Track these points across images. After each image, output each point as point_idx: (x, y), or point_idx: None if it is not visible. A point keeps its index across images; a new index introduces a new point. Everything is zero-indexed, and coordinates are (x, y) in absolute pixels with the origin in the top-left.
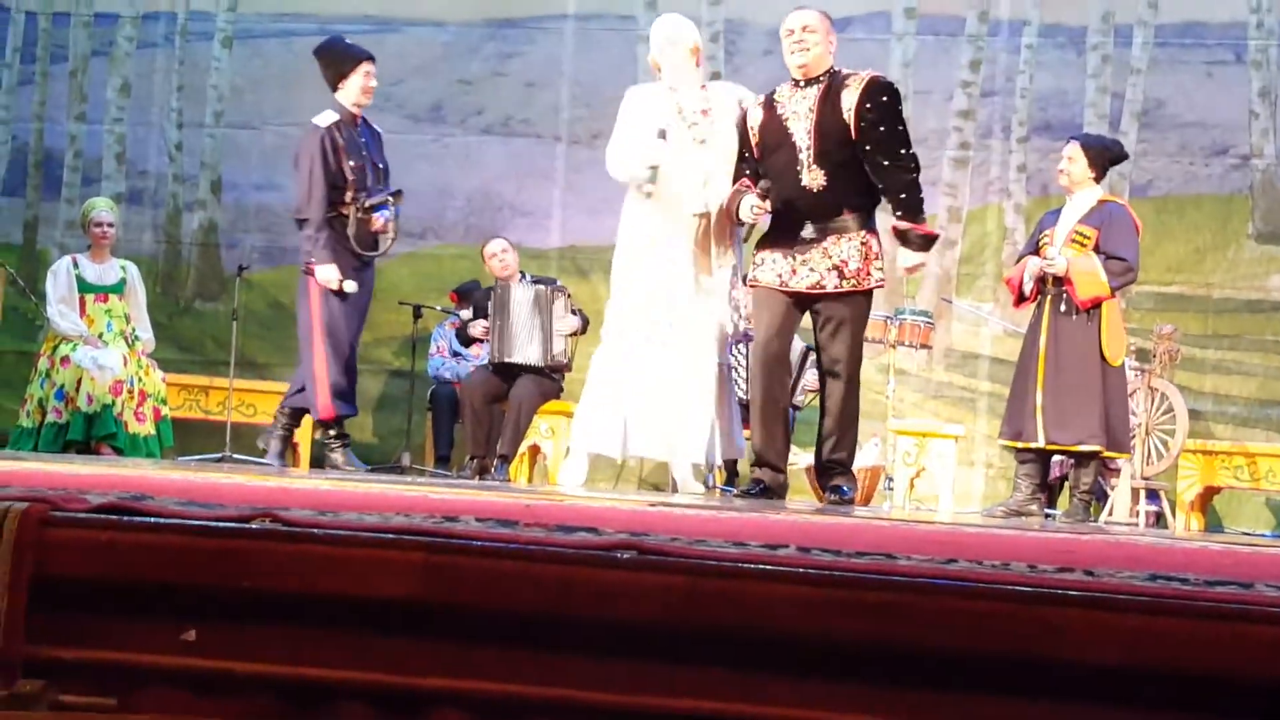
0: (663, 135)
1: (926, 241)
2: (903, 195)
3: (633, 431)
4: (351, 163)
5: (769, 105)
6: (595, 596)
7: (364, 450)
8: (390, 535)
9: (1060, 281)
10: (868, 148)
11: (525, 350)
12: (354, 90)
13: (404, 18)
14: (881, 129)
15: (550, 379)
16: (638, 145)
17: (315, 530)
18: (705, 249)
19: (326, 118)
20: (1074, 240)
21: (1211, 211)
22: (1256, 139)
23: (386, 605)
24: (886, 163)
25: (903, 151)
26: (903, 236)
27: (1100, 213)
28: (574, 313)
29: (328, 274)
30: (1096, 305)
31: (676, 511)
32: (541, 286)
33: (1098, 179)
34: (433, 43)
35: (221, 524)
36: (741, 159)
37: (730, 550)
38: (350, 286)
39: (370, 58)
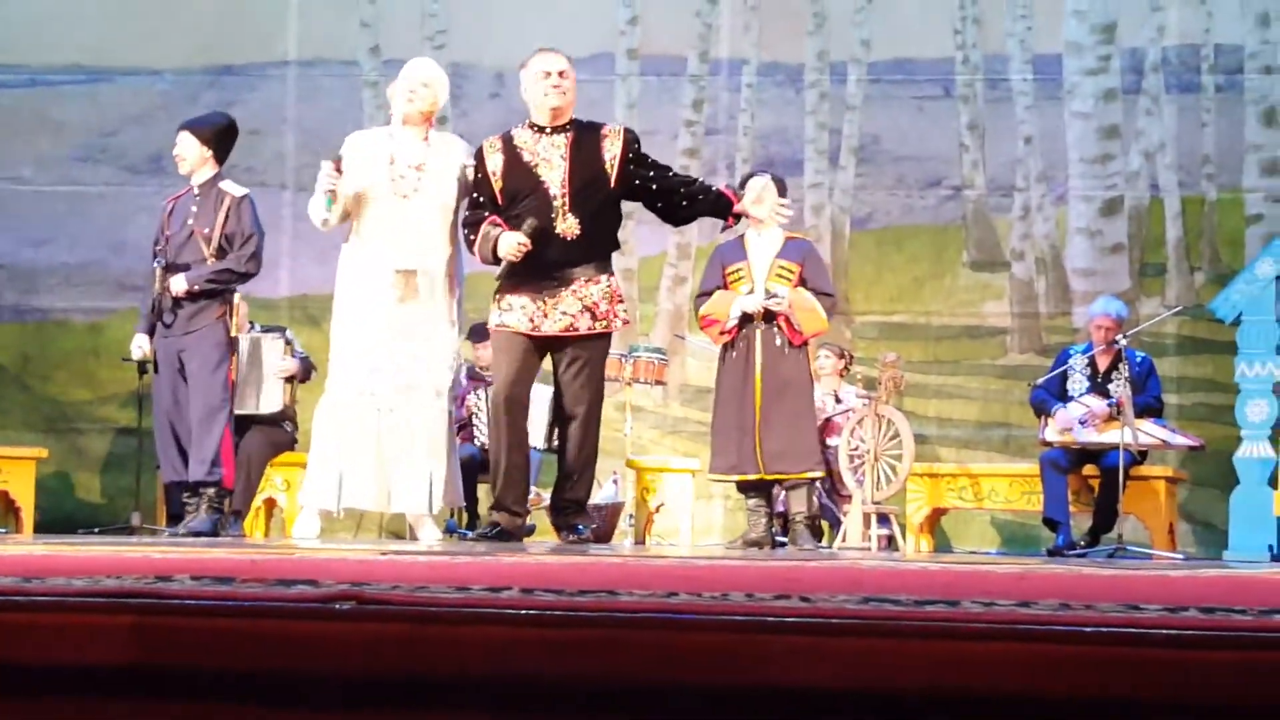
0: (337, 165)
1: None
2: (711, 187)
3: (348, 483)
4: (169, 232)
5: (509, 149)
6: (315, 650)
7: (92, 512)
8: (97, 599)
9: (771, 316)
10: (654, 186)
11: (245, 402)
12: None
13: (118, 67)
14: (649, 161)
15: (281, 429)
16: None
17: (17, 597)
18: (422, 299)
19: (180, 191)
20: (779, 275)
21: (928, 242)
22: (968, 171)
23: (97, 672)
24: (677, 180)
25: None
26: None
27: (796, 248)
28: (298, 357)
29: (133, 342)
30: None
31: (405, 559)
32: (257, 333)
33: None
34: (149, 91)
35: None
36: (476, 205)
37: (452, 595)
38: (135, 354)
39: (180, 127)
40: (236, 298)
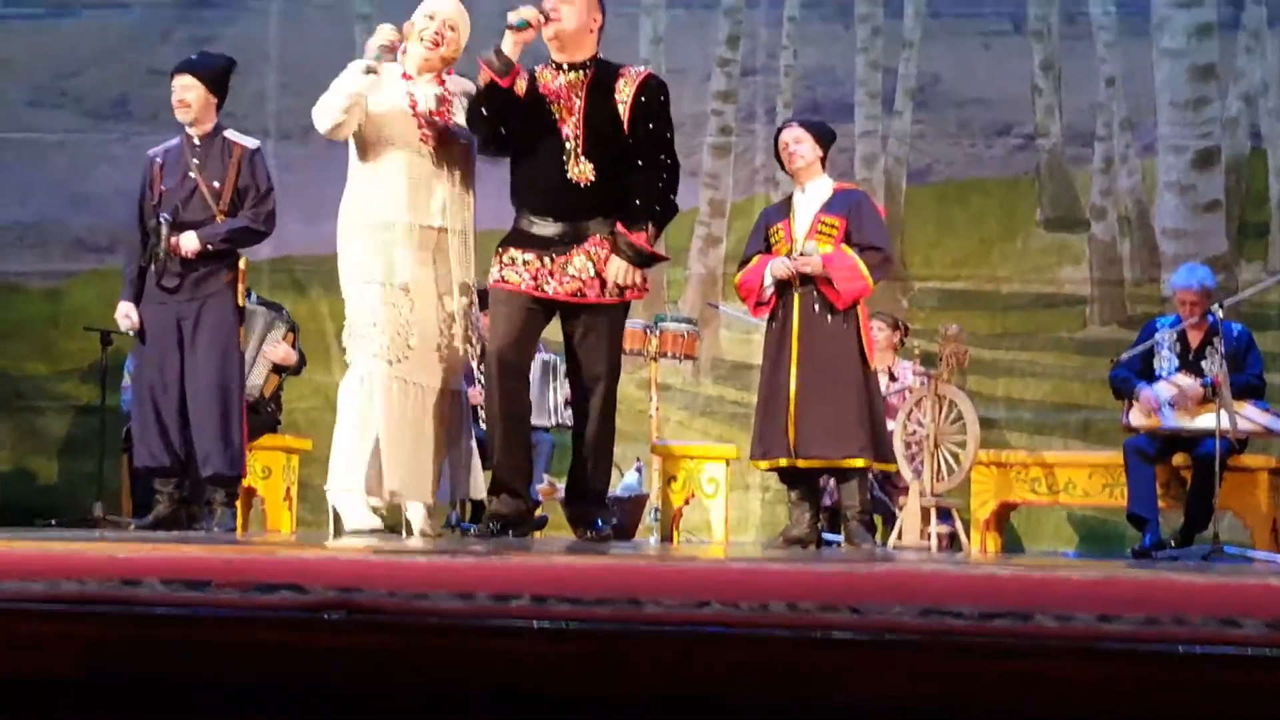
0: (373, 71)
1: (642, 258)
2: (642, 200)
3: (390, 470)
4: (164, 186)
5: (531, 82)
6: (301, 663)
7: (50, 501)
8: (55, 607)
9: (809, 280)
10: (630, 141)
11: None
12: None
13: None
14: (650, 125)
15: (264, 412)
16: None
17: None
18: (448, 261)
19: (167, 143)
20: (820, 232)
21: (997, 197)
22: (1041, 117)
23: (53, 689)
24: (642, 162)
25: (662, 157)
26: (614, 244)
27: (843, 200)
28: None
29: (118, 311)
30: (854, 303)
31: (402, 560)
32: (262, 309)
33: (823, 163)
34: (115, 27)
35: None
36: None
37: (454, 605)
38: (122, 324)
39: (176, 70)
40: (242, 262)
